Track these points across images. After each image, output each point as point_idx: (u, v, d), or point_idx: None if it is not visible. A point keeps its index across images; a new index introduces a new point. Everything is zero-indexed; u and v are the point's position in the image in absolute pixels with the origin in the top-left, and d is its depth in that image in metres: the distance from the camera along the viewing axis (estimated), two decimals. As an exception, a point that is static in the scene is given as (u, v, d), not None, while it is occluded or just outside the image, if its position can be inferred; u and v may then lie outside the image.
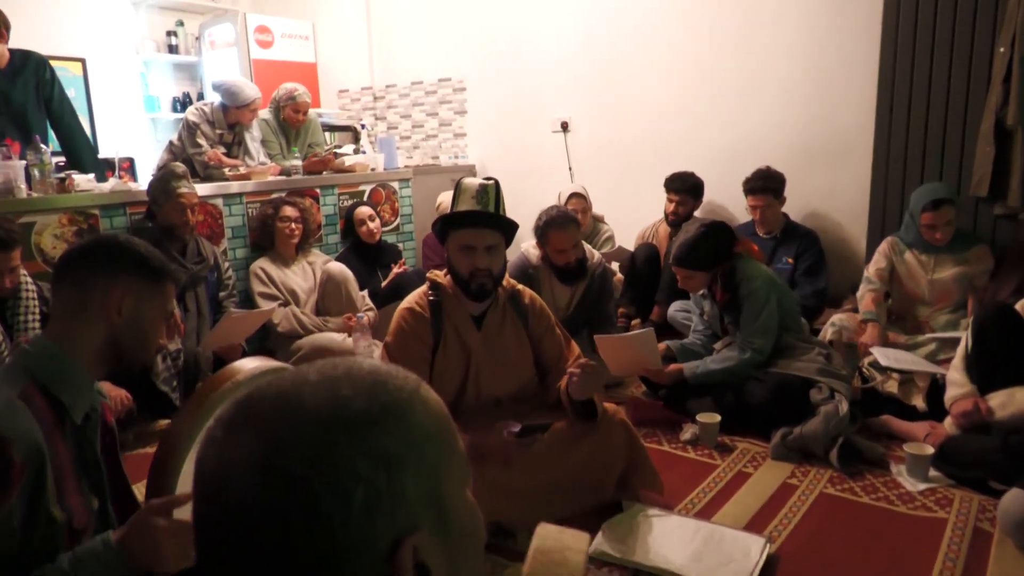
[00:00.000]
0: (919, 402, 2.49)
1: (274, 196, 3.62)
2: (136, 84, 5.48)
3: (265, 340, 3.39)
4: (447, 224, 1.99)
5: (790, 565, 1.76)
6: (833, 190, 3.61)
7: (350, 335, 3.29)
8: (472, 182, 1.97)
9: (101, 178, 3.50)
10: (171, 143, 4.04)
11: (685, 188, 3.80)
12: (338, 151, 4.50)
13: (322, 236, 3.90)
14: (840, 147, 3.56)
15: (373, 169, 4.29)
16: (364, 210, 3.80)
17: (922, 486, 2.10)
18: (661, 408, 2.72)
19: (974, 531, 1.86)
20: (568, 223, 2.84)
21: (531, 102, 4.69)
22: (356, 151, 4.66)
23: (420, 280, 3.74)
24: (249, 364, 1.41)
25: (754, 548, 1.78)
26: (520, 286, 2.21)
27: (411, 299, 2.08)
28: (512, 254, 2.79)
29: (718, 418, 2.46)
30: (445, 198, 4.20)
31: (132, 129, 5.41)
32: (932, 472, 2.15)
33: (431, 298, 2.07)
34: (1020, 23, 2.82)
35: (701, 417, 2.47)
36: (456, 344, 2.06)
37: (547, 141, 4.65)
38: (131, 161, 4.26)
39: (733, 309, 2.64)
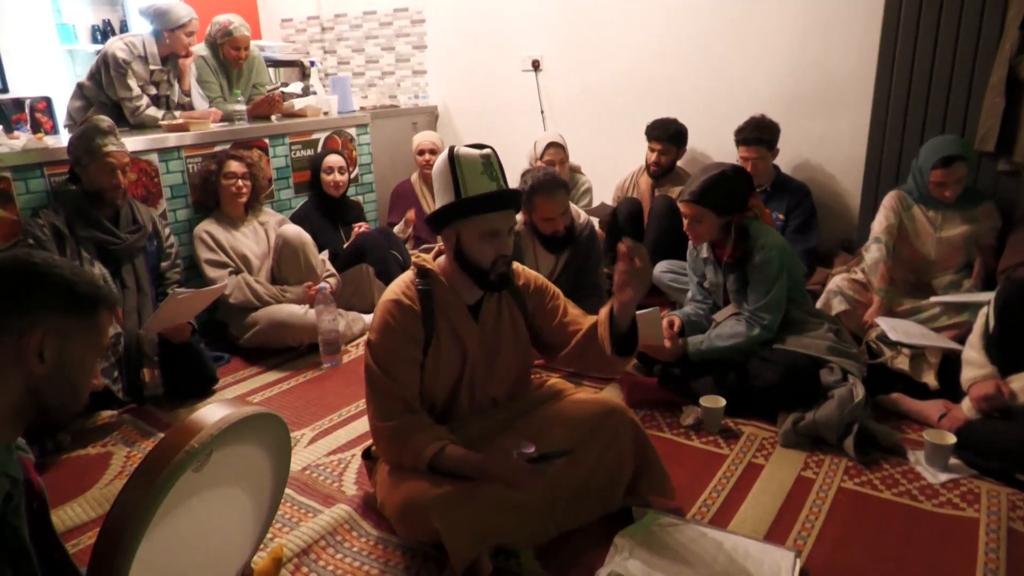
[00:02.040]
0: (930, 379, 2.36)
1: (217, 149, 3.21)
2: (47, 11, 4.83)
3: (215, 312, 3.07)
4: (457, 210, 1.67)
5: (822, 582, 1.62)
6: (826, 140, 3.41)
7: (311, 307, 2.98)
8: (472, 155, 1.65)
9: (8, 127, 3.05)
10: (81, 86, 3.56)
11: (668, 136, 3.54)
12: (285, 90, 4.06)
13: (273, 192, 3.52)
14: (837, 94, 3.33)
15: (326, 113, 3.89)
16: (335, 159, 3.46)
17: (943, 477, 1.98)
18: (657, 388, 2.54)
19: (1008, 533, 1.75)
20: (557, 188, 2.56)
21: (499, 37, 4.30)
22: (305, 91, 4.23)
23: (385, 240, 3.45)
24: (212, 415, 1.13)
25: (784, 564, 1.63)
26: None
27: (396, 289, 1.79)
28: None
29: (723, 402, 2.29)
30: (422, 139, 3.87)
31: (46, 64, 4.80)
32: (952, 460, 2.03)
33: (420, 287, 1.79)
34: (1042, -38, 2.59)
35: (705, 401, 2.30)
36: (451, 340, 1.79)
37: (517, 81, 4.29)
38: (48, 101, 3.75)
39: (738, 272, 2.43)
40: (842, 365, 2.28)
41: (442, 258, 1.83)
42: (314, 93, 4.16)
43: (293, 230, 3.09)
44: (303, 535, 1.79)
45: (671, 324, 2.50)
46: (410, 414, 1.70)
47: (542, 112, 4.24)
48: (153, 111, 3.48)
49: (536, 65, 4.18)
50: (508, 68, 4.29)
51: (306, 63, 4.55)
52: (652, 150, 3.60)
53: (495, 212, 1.66)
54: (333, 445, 2.30)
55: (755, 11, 3.46)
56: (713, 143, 3.71)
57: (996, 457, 1.97)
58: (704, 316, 2.63)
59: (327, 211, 3.48)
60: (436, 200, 1.72)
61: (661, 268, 3.29)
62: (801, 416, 2.19)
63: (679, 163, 3.67)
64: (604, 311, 1.78)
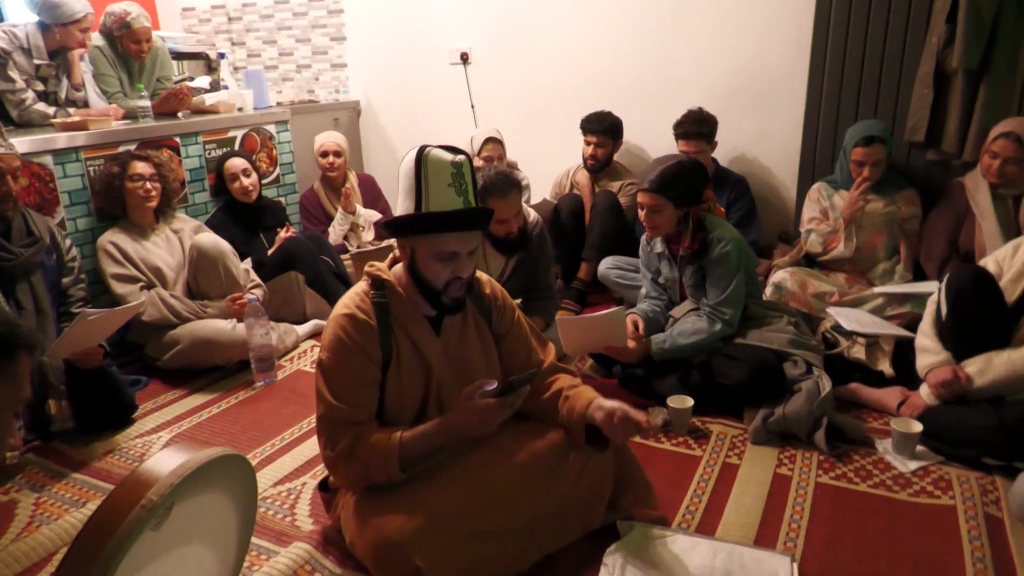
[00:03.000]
0: (886, 367, 2.39)
1: (122, 150, 2.89)
2: (-98, -5, 4.25)
3: (126, 332, 2.75)
4: (413, 223, 1.51)
5: (819, 586, 1.57)
6: (762, 134, 3.43)
7: (240, 321, 2.73)
8: (442, 160, 1.48)
9: None
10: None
11: (603, 128, 3.49)
12: (191, 85, 3.73)
13: (187, 195, 3.21)
14: (772, 89, 3.36)
15: (240, 109, 3.60)
16: (236, 163, 3.17)
17: (913, 465, 2.00)
18: (618, 390, 2.46)
19: (985, 518, 1.76)
20: (510, 189, 2.42)
21: (424, 29, 4.11)
22: (213, 85, 3.91)
23: (315, 245, 3.21)
24: (167, 462, 0.93)
25: (781, 571, 1.58)
26: (477, 272, 1.80)
27: (349, 302, 1.60)
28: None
29: (691, 402, 2.23)
30: (325, 139, 3.60)
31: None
32: (917, 447, 2.05)
33: (375, 299, 1.61)
34: (964, -42, 2.68)
35: (672, 401, 2.24)
36: (412, 357, 1.63)
37: (445, 75, 4.12)
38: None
39: (695, 266, 2.39)
40: (805, 358, 2.27)
41: (398, 267, 1.66)
42: (225, 88, 3.84)
43: (208, 239, 2.80)
44: (260, 583, 1.58)
45: (635, 324, 2.42)
46: (359, 427, 1.54)
47: (472, 107, 4.09)
48: (43, 107, 3.11)
49: (465, 58, 4.03)
50: (435, 61, 4.11)
51: (213, 55, 4.21)
52: (588, 143, 3.53)
53: (456, 233, 1.51)
54: (279, 474, 2.08)
55: (690, 4, 3.44)
56: (649, 137, 3.68)
57: (961, 443, 1.99)
58: (661, 312, 2.58)
59: (240, 218, 3.21)
60: (398, 202, 1.55)
61: (607, 264, 3.23)
62: (771, 412, 2.16)
63: (616, 157, 3.61)
64: (580, 404, 1.65)
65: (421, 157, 1.48)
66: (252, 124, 3.50)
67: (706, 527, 1.78)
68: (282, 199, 3.67)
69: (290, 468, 2.11)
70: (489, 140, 3.42)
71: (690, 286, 2.45)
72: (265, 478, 2.06)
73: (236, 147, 3.41)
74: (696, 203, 2.36)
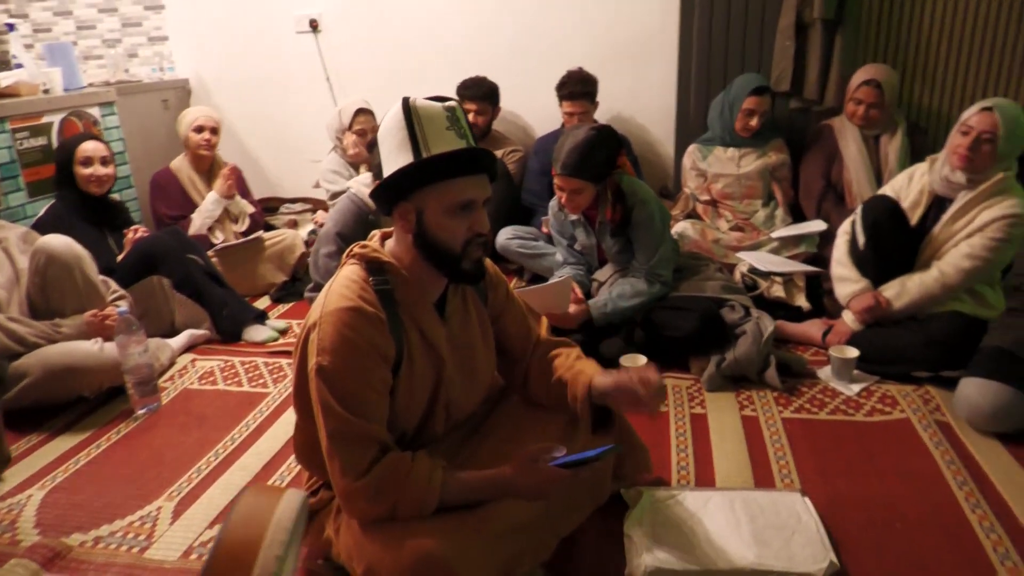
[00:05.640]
0: (803, 302, 2.52)
1: (-94, 142, 2.26)
2: None
3: (-53, 371, 2.17)
4: (417, 174, 1.27)
5: (831, 517, 1.59)
6: (637, 93, 3.47)
7: (106, 340, 2.26)
8: (433, 108, 1.27)
9: None
10: None
11: (482, 94, 3.36)
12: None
13: (1, 199, 2.59)
14: (644, 47, 3.39)
15: (47, 91, 2.98)
16: (93, 145, 2.62)
17: (856, 388, 2.12)
18: (563, 357, 2.37)
19: (939, 426, 1.90)
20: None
21: (262, -6, 3.67)
22: (2, 64, 3.22)
23: (179, 243, 2.74)
24: (250, 526, 0.68)
25: (799, 508, 1.58)
26: None
27: (348, 292, 1.30)
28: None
29: (643, 359, 2.19)
30: (199, 113, 3.12)
31: None
32: (854, 371, 2.18)
33: (378, 286, 1.33)
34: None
35: (625, 361, 2.19)
36: (423, 351, 1.38)
37: (292, 46, 3.71)
38: None
39: (620, 235, 2.35)
40: (740, 301, 2.32)
41: (391, 244, 1.40)
42: (19, 66, 3.16)
43: (60, 241, 2.28)
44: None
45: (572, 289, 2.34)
46: (385, 454, 1.29)
47: (328, 80, 3.73)
48: None
49: (314, 25, 3.65)
50: (279, 29, 3.69)
51: (-9, 30, 3.46)
52: (467, 111, 3.33)
53: (468, 176, 1.30)
54: (211, 512, 1.74)
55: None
56: (524, 101, 3.59)
57: (893, 361, 2.15)
58: (585, 277, 2.52)
59: (89, 214, 2.66)
60: (384, 166, 1.31)
61: (506, 235, 3.11)
62: (722, 358, 2.18)
63: (493, 125, 3.49)
64: (580, 389, 1.48)
65: (408, 107, 1.27)
66: (71, 107, 2.91)
67: (704, 480, 1.75)
68: (116, 195, 3.11)
69: (222, 503, 1.77)
70: (361, 112, 3.14)
71: (615, 252, 2.40)
72: (194, 521, 1.71)
73: (55, 135, 2.81)
74: (612, 173, 2.30)
